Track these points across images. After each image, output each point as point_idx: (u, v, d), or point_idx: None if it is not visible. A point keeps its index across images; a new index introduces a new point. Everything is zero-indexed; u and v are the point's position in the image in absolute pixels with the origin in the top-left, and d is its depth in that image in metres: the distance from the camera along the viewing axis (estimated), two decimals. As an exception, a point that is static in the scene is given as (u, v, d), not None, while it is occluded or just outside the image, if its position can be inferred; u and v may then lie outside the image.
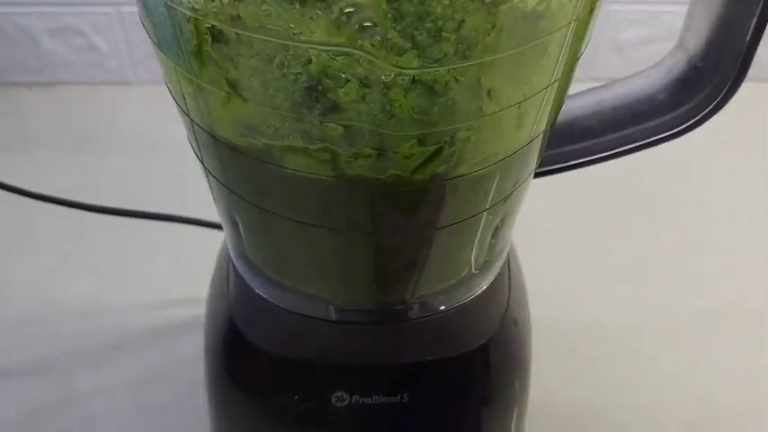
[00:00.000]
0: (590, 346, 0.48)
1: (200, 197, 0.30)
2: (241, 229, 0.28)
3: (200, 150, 0.25)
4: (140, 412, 0.44)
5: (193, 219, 0.46)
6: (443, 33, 0.17)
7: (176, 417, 0.43)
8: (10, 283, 0.52)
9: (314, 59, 0.18)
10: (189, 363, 0.44)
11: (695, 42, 0.28)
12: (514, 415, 0.33)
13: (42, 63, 0.69)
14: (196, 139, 0.24)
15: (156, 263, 0.53)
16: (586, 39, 0.23)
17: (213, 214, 0.30)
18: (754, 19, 0.25)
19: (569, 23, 0.20)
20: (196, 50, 0.20)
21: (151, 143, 0.63)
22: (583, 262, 0.54)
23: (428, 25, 0.17)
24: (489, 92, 0.20)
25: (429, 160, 0.22)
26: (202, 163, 0.26)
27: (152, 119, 0.65)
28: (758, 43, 0.26)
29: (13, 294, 0.51)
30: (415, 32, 0.17)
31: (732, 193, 0.60)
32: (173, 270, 0.52)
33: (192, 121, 0.23)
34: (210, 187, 0.27)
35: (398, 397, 0.29)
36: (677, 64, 0.29)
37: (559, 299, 0.51)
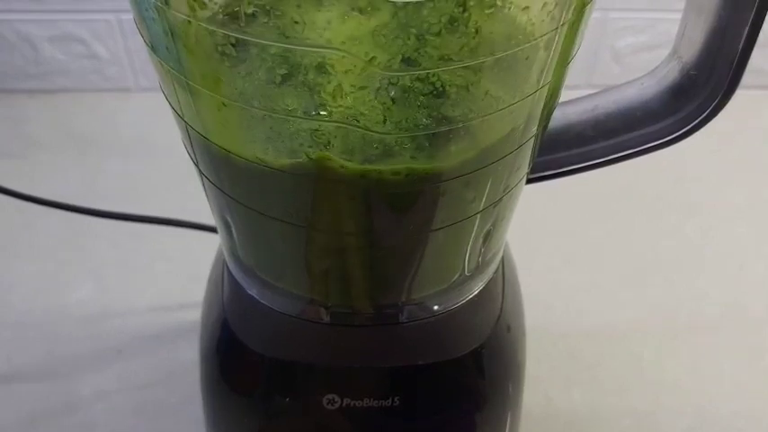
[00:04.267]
0: (590, 351, 0.48)
1: (200, 202, 0.30)
2: (233, 232, 0.28)
3: (194, 153, 0.25)
4: (140, 417, 0.44)
5: (193, 223, 0.46)
6: (428, 37, 0.18)
7: (176, 421, 0.43)
8: (10, 287, 0.52)
9: (302, 61, 0.18)
10: (189, 367, 0.45)
11: (689, 51, 0.28)
12: (508, 420, 0.33)
13: (42, 70, 0.70)
14: (190, 141, 0.24)
15: (155, 267, 0.53)
16: (577, 43, 0.23)
17: (212, 218, 0.30)
18: (747, 27, 0.25)
19: (557, 28, 0.20)
20: (187, 53, 0.20)
21: (151, 149, 0.63)
22: (583, 267, 0.54)
23: (413, 29, 0.17)
24: (477, 95, 0.20)
25: (417, 163, 0.22)
26: (197, 165, 0.26)
27: (152, 125, 0.66)
28: (751, 51, 0.26)
29: (13, 298, 0.51)
30: (400, 36, 0.18)
31: (732, 200, 0.60)
32: (172, 274, 0.52)
33: (186, 123, 0.23)
34: (205, 189, 0.27)
35: (390, 400, 0.29)
36: (671, 72, 0.29)
37: (560, 304, 0.51)
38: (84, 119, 0.69)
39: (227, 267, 0.31)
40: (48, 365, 0.47)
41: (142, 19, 0.21)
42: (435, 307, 0.29)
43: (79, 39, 0.68)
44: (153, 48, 0.22)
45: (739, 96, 0.27)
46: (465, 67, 0.19)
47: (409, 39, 0.18)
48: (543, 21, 0.19)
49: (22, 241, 0.55)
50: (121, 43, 0.68)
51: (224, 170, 0.24)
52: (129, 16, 0.66)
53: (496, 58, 0.19)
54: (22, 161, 0.63)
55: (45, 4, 0.66)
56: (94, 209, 0.42)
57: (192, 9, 0.19)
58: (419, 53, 0.18)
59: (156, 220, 0.45)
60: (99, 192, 0.60)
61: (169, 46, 0.20)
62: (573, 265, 0.54)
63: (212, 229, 0.45)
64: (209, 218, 0.31)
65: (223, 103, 0.21)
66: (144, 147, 0.64)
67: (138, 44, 0.68)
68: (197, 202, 0.34)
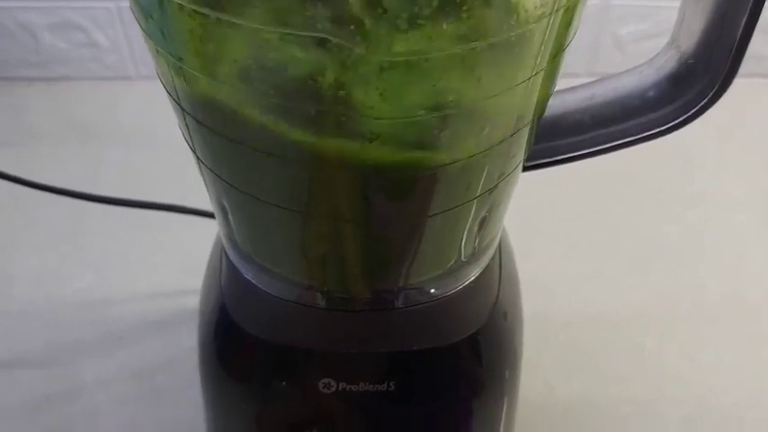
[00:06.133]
0: (591, 339, 0.48)
1: (201, 191, 0.30)
2: (230, 217, 0.28)
3: (191, 139, 0.25)
4: (142, 403, 0.44)
5: (194, 209, 0.46)
6: (419, 21, 0.18)
7: (177, 407, 0.44)
8: (11, 275, 0.52)
9: (293, 44, 0.18)
10: (190, 354, 0.45)
11: (687, 39, 0.28)
12: (504, 406, 0.33)
13: (42, 58, 0.70)
14: (187, 127, 0.25)
15: (157, 254, 0.53)
16: (572, 29, 0.23)
17: (211, 206, 0.30)
18: (745, 16, 0.25)
19: (552, 13, 0.20)
20: (181, 38, 0.20)
21: (152, 138, 0.63)
22: (585, 255, 0.54)
23: (404, 14, 0.17)
24: (470, 80, 0.20)
25: (411, 149, 0.22)
26: (194, 152, 0.26)
27: (152, 114, 0.65)
28: (749, 40, 0.26)
29: (15, 287, 0.51)
30: (392, 18, 0.17)
31: (735, 188, 0.60)
32: (174, 261, 0.52)
33: (182, 109, 0.24)
34: (202, 175, 0.27)
35: (386, 385, 0.29)
36: (669, 61, 0.29)
37: (561, 292, 0.51)
38: (84, 107, 0.68)
39: (225, 253, 0.31)
40: (49, 353, 0.47)
41: (137, 4, 0.21)
42: (432, 292, 0.29)
43: (79, 27, 0.68)
44: (146, 30, 0.22)
45: (743, 84, 0.27)
46: (457, 51, 0.19)
47: (402, 23, 0.18)
48: (537, 5, 0.19)
49: (23, 229, 0.56)
50: (121, 31, 0.68)
51: (221, 155, 0.25)
52: (128, 4, 0.66)
53: (489, 43, 0.19)
54: (22, 150, 0.63)
55: (45, -8, 0.66)
56: (97, 195, 0.43)
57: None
58: (410, 38, 0.18)
59: (156, 206, 0.45)
60: (100, 181, 0.60)
61: (164, 31, 0.21)
62: (574, 252, 0.54)
63: (213, 216, 0.45)
64: (209, 206, 0.31)
65: (214, 85, 0.21)
66: (145, 135, 0.64)
67: (139, 32, 0.68)
68: (198, 190, 0.34)
